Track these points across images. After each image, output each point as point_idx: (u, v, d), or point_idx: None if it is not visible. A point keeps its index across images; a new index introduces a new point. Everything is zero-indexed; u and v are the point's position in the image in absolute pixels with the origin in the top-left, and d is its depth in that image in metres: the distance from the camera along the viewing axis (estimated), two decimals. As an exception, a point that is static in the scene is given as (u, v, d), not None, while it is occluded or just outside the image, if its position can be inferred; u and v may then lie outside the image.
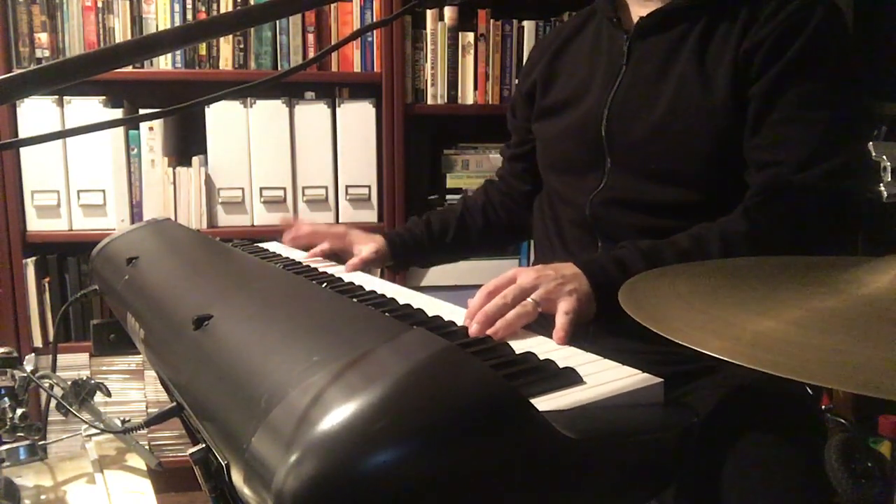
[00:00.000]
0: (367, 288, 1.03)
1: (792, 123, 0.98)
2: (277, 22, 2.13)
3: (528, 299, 0.86)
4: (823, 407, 2.00)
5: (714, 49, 1.04)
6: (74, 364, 2.10)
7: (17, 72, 0.52)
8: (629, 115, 1.09)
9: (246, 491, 0.53)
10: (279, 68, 2.15)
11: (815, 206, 0.98)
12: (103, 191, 2.11)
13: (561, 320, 0.84)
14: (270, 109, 2.14)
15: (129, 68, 2.01)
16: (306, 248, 1.36)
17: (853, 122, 1.00)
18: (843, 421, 1.90)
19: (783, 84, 0.99)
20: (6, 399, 1.09)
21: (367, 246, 1.30)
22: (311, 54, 2.13)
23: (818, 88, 0.99)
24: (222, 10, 2.11)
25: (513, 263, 2.24)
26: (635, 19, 1.12)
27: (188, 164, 2.15)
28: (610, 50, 1.15)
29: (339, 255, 1.33)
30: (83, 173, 2.10)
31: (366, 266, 1.27)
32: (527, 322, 0.85)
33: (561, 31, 1.28)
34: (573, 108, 1.17)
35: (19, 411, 1.09)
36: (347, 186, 2.19)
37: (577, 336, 0.85)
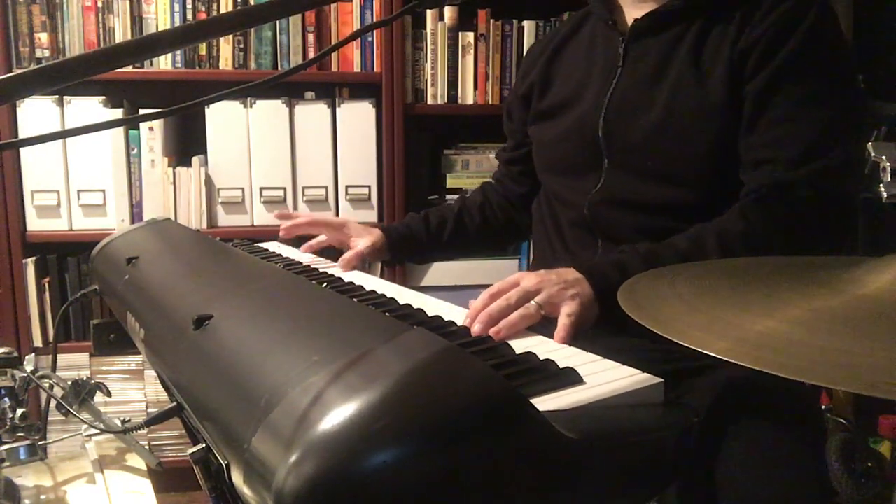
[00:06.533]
0: (367, 288, 1.03)
1: (787, 122, 0.99)
2: (277, 22, 2.13)
3: (531, 302, 0.86)
4: (823, 407, 2.00)
5: (710, 49, 1.04)
6: (74, 364, 2.10)
7: (17, 72, 0.52)
8: (626, 116, 1.09)
9: (246, 491, 0.53)
10: (279, 68, 2.15)
11: (811, 203, 0.98)
12: (103, 191, 2.11)
13: (563, 321, 0.85)
14: (270, 109, 2.14)
15: (129, 68, 2.01)
16: (303, 240, 1.36)
17: (848, 120, 1.01)
18: (843, 421, 1.90)
19: (778, 83, 0.99)
20: (6, 399, 1.09)
21: (363, 239, 1.30)
22: (311, 54, 2.12)
23: (812, 87, 0.99)
24: (222, 10, 2.11)
25: (513, 263, 2.24)
26: (630, 21, 1.13)
27: (188, 164, 2.15)
28: (605, 52, 1.15)
29: (336, 248, 1.33)
30: (83, 173, 2.10)
31: (361, 260, 1.27)
32: (529, 324, 0.85)
33: (556, 34, 1.28)
34: (570, 111, 1.17)
35: (19, 411, 1.09)
36: (347, 186, 2.19)
37: (576, 335, 0.85)
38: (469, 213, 1.39)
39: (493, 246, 1.56)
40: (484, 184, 1.45)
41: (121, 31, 2.08)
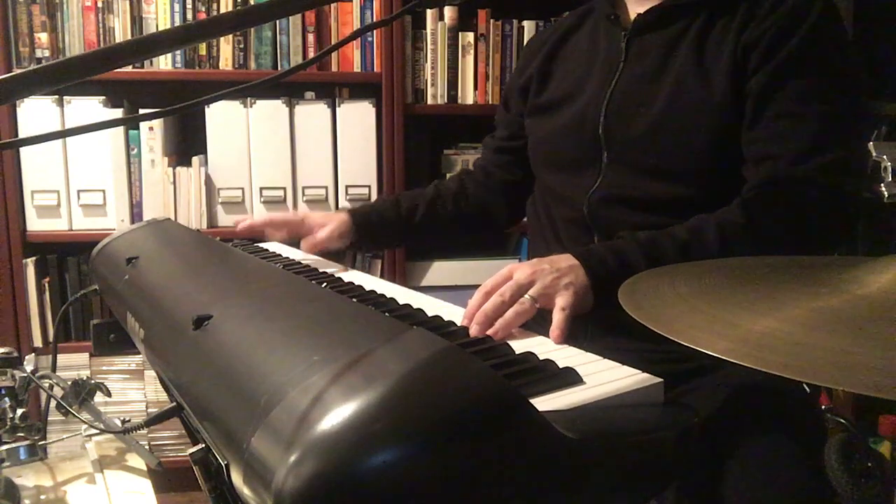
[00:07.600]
0: (367, 288, 1.03)
1: (789, 118, 0.99)
2: (277, 22, 2.13)
3: (526, 296, 0.86)
4: (823, 407, 2.00)
5: (712, 45, 1.04)
6: (74, 364, 2.10)
7: (17, 72, 0.52)
8: (627, 111, 1.09)
9: (245, 491, 0.53)
10: (279, 68, 2.15)
11: (812, 199, 0.98)
12: (103, 191, 2.11)
13: (557, 317, 0.84)
14: (270, 109, 2.14)
15: (129, 68, 2.01)
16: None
17: (850, 117, 1.01)
18: (843, 421, 1.90)
19: (781, 79, 0.99)
20: (6, 399, 1.09)
21: (324, 229, 1.28)
22: (311, 54, 2.13)
23: (815, 83, 0.99)
24: (222, 10, 2.11)
25: (513, 263, 2.24)
26: (633, 16, 1.12)
27: (188, 164, 2.15)
28: (607, 47, 1.15)
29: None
30: (83, 173, 2.10)
31: (323, 247, 1.27)
32: (525, 320, 0.85)
33: (557, 28, 1.28)
34: (569, 106, 1.16)
35: (19, 411, 1.09)
36: (347, 186, 2.19)
37: (576, 335, 0.85)
38: (442, 201, 1.35)
39: (465, 234, 1.54)
40: (462, 172, 1.43)
41: (121, 31, 2.08)
